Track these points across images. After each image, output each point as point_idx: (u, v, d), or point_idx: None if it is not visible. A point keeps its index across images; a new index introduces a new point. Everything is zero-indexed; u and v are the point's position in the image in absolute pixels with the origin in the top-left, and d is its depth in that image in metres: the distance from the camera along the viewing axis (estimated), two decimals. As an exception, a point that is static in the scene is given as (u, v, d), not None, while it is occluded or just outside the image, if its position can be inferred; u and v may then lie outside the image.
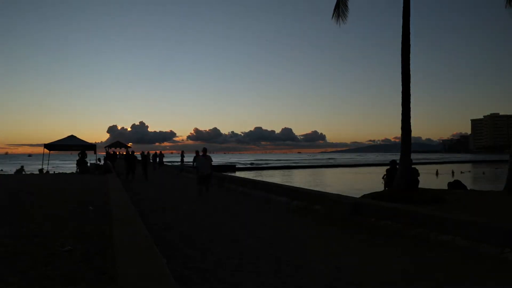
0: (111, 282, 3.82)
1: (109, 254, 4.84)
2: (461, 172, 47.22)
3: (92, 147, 28.78)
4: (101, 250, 5.13)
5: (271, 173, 52.97)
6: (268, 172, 55.92)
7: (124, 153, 65.00)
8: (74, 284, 3.87)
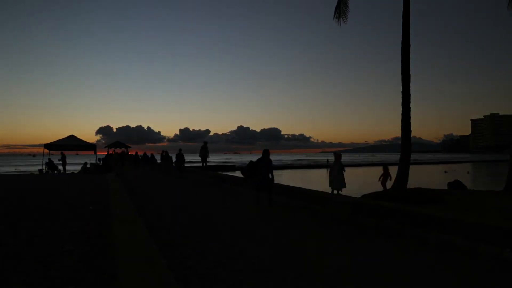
0: (111, 282, 3.82)
1: (109, 254, 4.85)
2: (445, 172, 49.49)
3: (92, 147, 28.80)
4: (101, 250, 5.13)
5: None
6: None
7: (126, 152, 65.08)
8: (74, 284, 3.88)
